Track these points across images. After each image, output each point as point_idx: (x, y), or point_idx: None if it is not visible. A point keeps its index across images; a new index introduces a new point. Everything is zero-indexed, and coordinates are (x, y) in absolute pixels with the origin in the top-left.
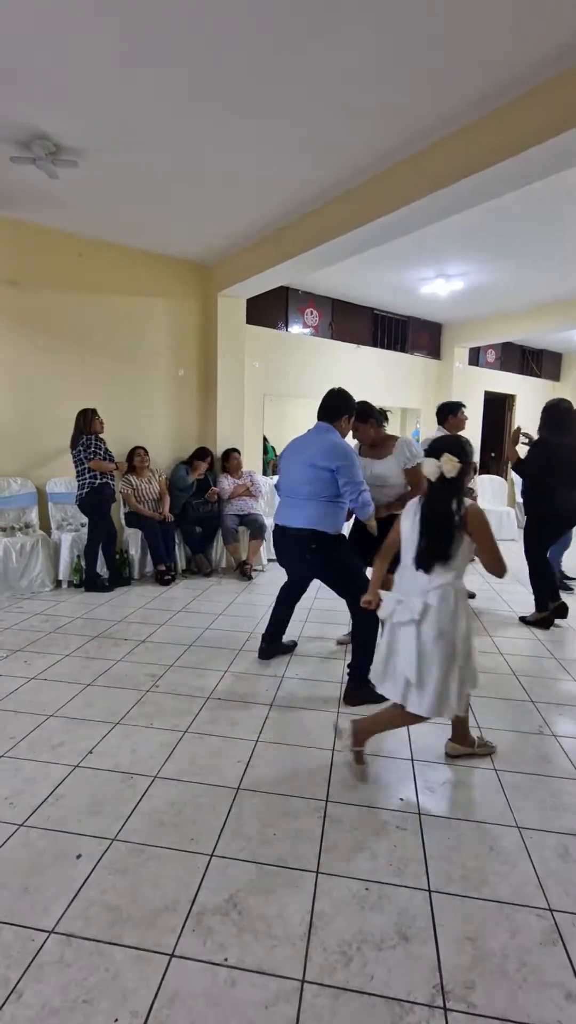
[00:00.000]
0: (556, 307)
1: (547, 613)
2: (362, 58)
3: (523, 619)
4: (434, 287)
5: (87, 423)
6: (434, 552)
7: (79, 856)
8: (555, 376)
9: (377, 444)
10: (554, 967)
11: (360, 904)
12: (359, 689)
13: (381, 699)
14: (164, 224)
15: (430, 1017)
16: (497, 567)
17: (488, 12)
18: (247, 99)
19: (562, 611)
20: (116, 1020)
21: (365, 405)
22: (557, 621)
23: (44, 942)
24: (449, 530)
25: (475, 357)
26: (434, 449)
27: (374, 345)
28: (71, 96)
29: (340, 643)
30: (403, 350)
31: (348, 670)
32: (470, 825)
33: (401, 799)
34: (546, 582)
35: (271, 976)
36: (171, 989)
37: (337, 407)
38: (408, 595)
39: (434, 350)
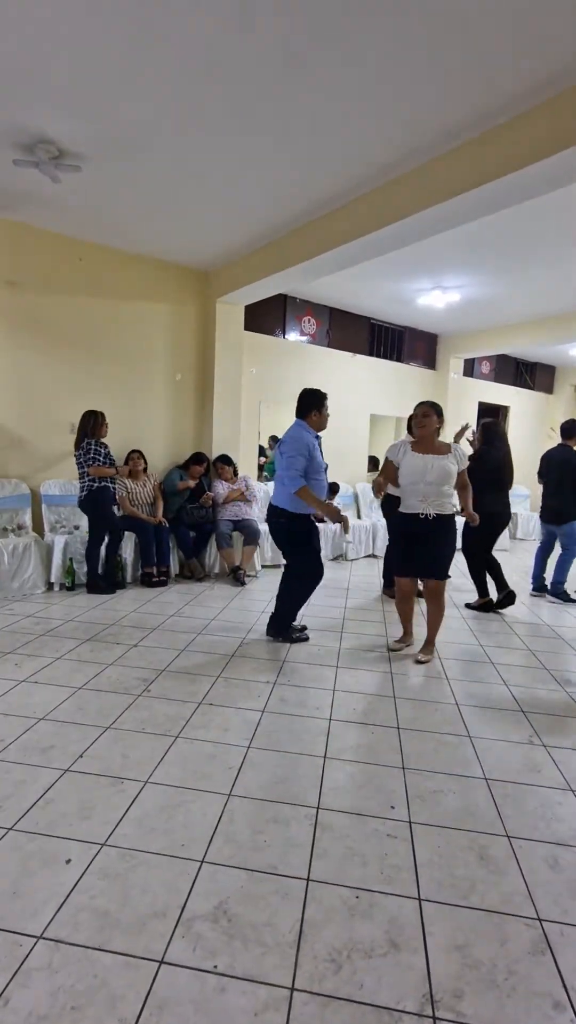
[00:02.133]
0: (551, 321)
1: (488, 600)
2: (363, 75)
3: (468, 605)
4: (431, 298)
5: (94, 427)
6: None
7: (68, 861)
8: (548, 389)
9: (431, 441)
10: (542, 977)
11: (350, 912)
12: (281, 630)
13: (299, 640)
14: (164, 230)
15: None
16: None
17: (487, 35)
18: (250, 112)
19: (510, 599)
20: None
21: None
22: (506, 611)
23: (32, 947)
24: None
25: (470, 368)
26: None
27: (371, 354)
28: (76, 102)
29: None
30: (399, 360)
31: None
32: (460, 834)
33: (392, 807)
34: (488, 574)
35: (260, 984)
36: (160, 996)
37: (306, 404)
38: None
39: (430, 360)
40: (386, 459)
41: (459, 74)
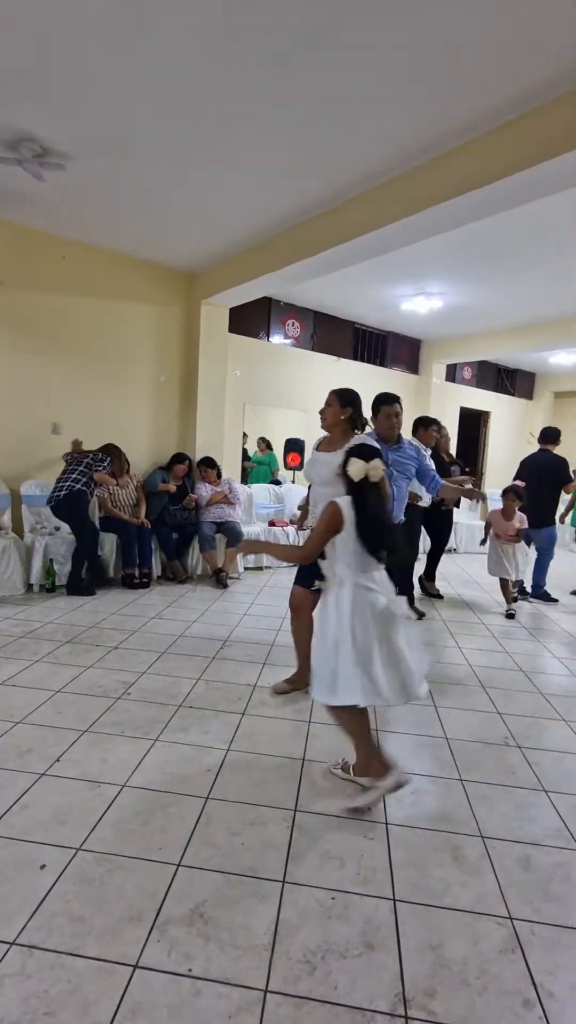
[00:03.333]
0: (531, 329)
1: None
2: (356, 81)
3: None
4: (414, 304)
5: (105, 454)
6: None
7: (43, 866)
8: (528, 395)
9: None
10: (513, 975)
11: (326, 913)
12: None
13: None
14: (149, 231)
15: None
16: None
17: (475, 44)
18: (237, 115)
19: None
20: None
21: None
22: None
23: (5, 954)
24: None
25: (452, 374)
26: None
27: (355, 358)
28: (62, 100)
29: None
30: (383, 364)
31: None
32: (436, 835)
33: (369, 808)
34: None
35: (235, 986)
36: (134, 1000)
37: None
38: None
39: (413, 365)
40: None
41: (444, 85)
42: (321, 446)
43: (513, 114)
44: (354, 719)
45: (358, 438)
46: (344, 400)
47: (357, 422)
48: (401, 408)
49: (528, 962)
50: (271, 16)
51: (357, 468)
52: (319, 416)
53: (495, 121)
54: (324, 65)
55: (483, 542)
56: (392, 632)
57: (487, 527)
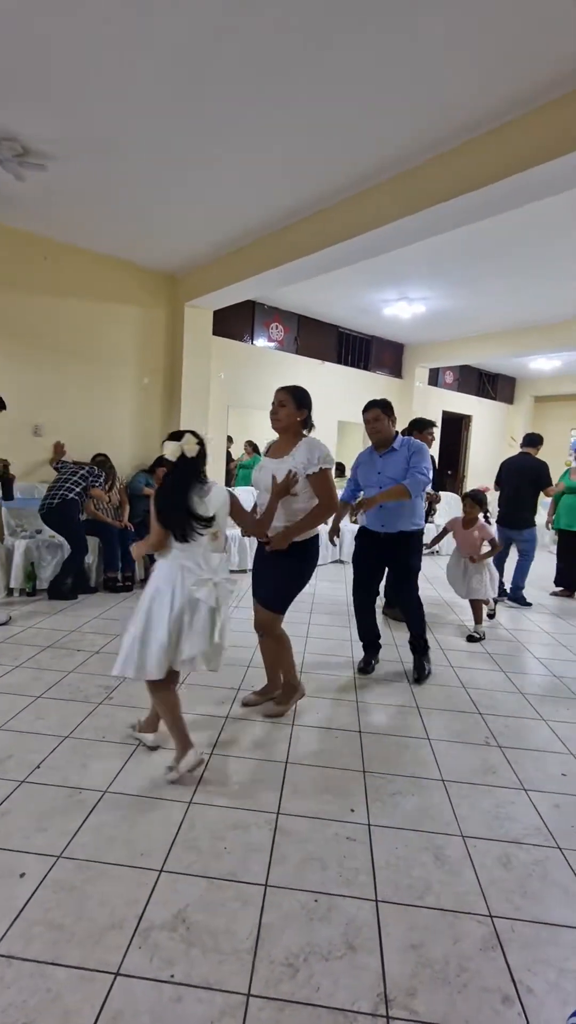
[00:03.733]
0: (511, 334)
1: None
2: (344, 87)
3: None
4: (396, 309)
5: (100, 468)
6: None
7: (22, 875)
8: (509, 399)
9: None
10: (492, 972)
11: (309, 916)
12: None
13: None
14: (132, 232)
15: None
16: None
17: (461, 53)
18: (222, 118)
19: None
20: None
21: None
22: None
23: None
24: None
25: (434, 378)
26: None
27: (339, 362)
28: (42, 101)
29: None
30: (366, 368)
31: None
32: (417, 835)
33: (352, 810)
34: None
35: (217, 991)
36: (115, 1008)
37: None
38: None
39: (396, 369)
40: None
41: (433, 91)
42: (271, 452)
43: (501, 121)
44: (153, 687)
45: (307, 441)
46: (300, 400)
47: (308, 423)
48: (386, 414)
49: (508, 959)
50: (261, 17)
51: (171, 448)
52: (271, 416)
53: (485, 127)
54: (313, 69)
55: (430, 545)
56: (190, 615)
57: (443, 532)
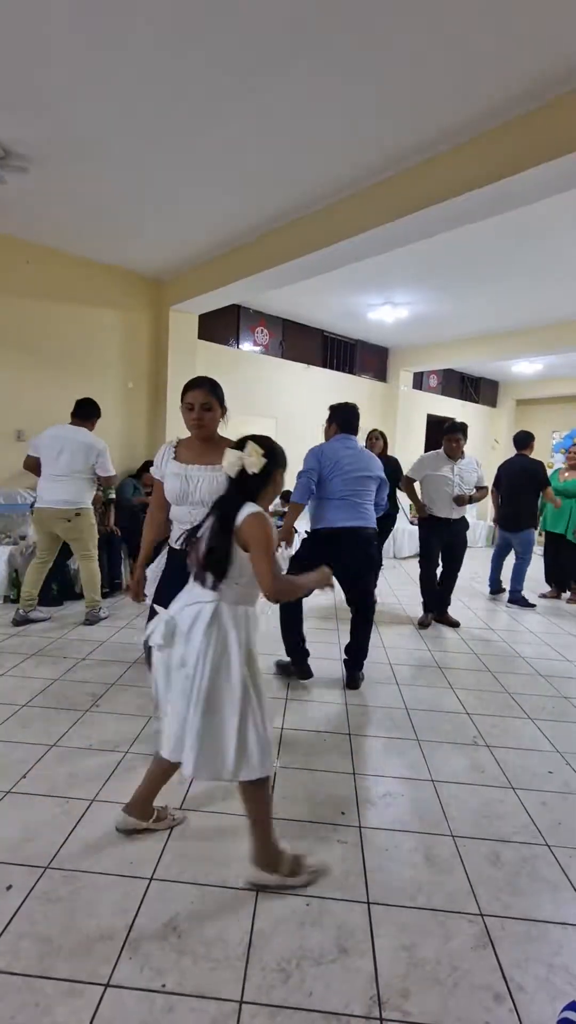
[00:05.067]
0: (493, 339)
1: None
2: (323, 94)
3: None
4: (381, 313)
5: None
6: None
7: (9, 887)
8: (492, 403)
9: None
10: (484, 970)
11: (300, 921)
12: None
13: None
14: (116, 236)
15: None
16: (266, 587)
17: (439, 62)
18: (205, 122)
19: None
20: None
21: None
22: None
23: None
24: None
25: (419, 382)
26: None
27: (324, 366)
28: (25, 104)
29: None
30: (352, 372)
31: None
32: (408, 836)
33: (343, 813)
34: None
35: (210, 999)
36: (105, 1020)
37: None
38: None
39: (381, 373)
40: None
41: (411, 100)
42: (191, 456)
43: (480, 129)
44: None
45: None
46: (223, 399)
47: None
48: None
49: (498, 956)
50: (231, 34)
51: (230, 461)
52: (196, 423)
53: (466, 135)
54: (295, 73)
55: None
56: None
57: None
